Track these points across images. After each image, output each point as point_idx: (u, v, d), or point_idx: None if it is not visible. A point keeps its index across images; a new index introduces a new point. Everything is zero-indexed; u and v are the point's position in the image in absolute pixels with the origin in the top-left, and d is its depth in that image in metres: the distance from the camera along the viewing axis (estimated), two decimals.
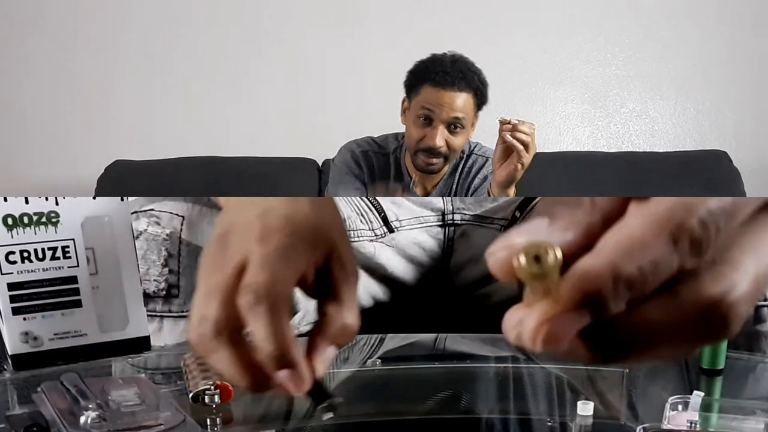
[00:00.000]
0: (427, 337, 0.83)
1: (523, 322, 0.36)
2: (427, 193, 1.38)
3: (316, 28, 2.21)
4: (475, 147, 1.41)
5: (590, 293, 0.34)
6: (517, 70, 2.23)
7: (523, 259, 0.35)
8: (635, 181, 1.97)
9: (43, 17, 2.21)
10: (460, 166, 1.39)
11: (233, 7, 2.22)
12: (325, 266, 0.55)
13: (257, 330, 0.49)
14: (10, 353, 0.66)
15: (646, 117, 2.24)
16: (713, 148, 2.10)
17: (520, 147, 1.17)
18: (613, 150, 2.19)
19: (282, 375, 0.49)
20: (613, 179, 1.98)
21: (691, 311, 0.35)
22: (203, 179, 1.99)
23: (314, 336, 0.53)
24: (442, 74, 1.28)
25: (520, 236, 0.37)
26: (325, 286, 0.55)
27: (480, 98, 1.31)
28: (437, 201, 1.00)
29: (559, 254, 0.35)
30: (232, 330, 0.50)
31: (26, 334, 0.65)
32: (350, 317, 0.54)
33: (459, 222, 0.98)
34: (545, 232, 0.38)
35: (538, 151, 2.13)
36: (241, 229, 0.55)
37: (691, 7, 2.22)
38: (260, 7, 2.22)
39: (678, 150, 2.16)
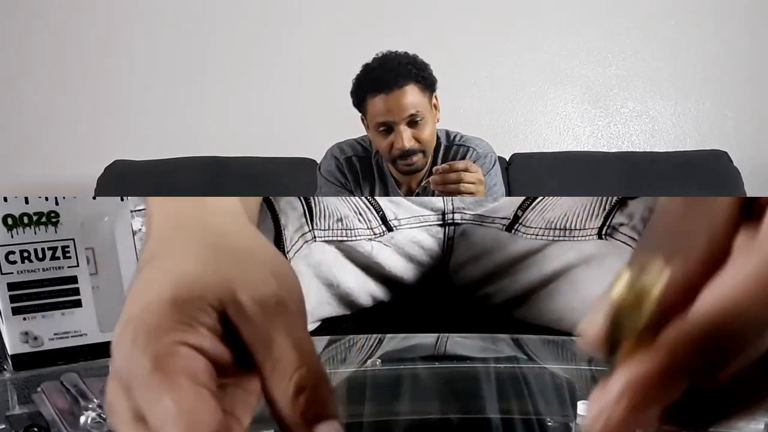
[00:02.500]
0: (427, 337, 0.83)
1: (607, 404, 0.29)
2: (412, 192, 1.37)
3: (316, 28, 2.21)
4: (455, 137, 1.39)
5: (690, 359, 0.28)
6: (517, 70, 2.23)
7: (626, 275, 0.29)
8: (635, 181, 1.97)
9: (43, 17, 2.21)
10: (440, 159, 1.37)
11: (234, 6, 2.22)
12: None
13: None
14: (9, 353, 0.66)
15: (646, 117, 2.24)
16: (713, 148, 2.11)
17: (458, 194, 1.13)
18: (613, 150, 2.19)
19: None
20: (613, 179, 1.98)
21: None
22: (203, 179, 1.99)
23: None
24: (376, 81, 1.26)
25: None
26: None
27: (425, 82, 1.28)
28: (437, 200, 1.00)
29: (665, 274, 0.29)
30: None
31: (26, 334, 0.65)
32: None
33: (459, 221, 0.98)
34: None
35: (538, 150, 2.17)
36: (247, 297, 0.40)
37: (691, 7, 2.23)
38: (261, 7, 2.22)
39: (678, 150, 2.16)
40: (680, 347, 0.28)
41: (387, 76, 1.25)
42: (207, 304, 0.40)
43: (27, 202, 0.65)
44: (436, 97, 1.32)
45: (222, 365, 0.40)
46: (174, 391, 0.37)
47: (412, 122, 1.26)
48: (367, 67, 1.30)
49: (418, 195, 1.36)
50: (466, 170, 1.14)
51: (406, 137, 1.26)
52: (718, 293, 0.29)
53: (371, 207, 0.97)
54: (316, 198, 0.94)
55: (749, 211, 0.33)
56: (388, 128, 1.27)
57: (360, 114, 1.34)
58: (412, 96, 1.25)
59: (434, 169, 1.18)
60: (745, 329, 0.28)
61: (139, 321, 0.40)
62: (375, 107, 1.26)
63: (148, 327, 0.39)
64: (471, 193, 1.15)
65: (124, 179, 2.01)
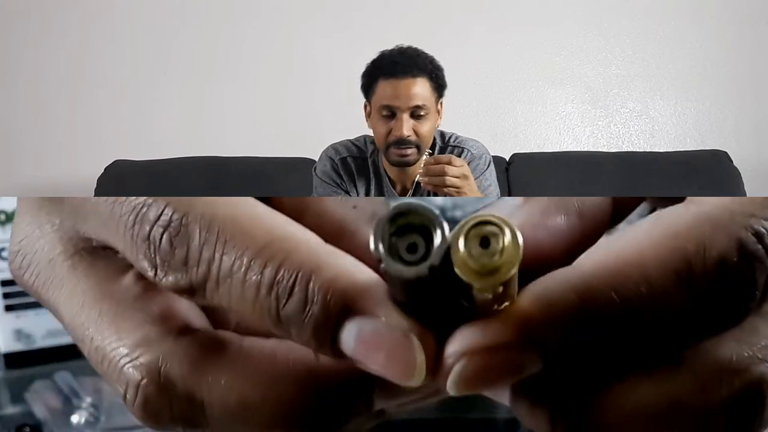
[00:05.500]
0: None
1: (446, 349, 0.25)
2: (406, 190, 1.37)
3: (316, 29, 2.21)
4: (450, 138, 1.40)
5: (551, 325, 0.23)
6: (517, 70, 2.23)
7: (461, 242, 0.24)
8: (635, 181, 1.97)
9: (42, 17, 2.21)
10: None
11: (234, 7, 2.21)
12: None
13: None
14: (2, 351, 0.65)
15: (646, 117, 2.24)
16: (713, 148, 2.10)
17: (444, 190, 1.15)
18: (613, 150, 2.18)
19: None
20: (613, 179, 1.97)
21: (702, 393, 0.23)
22: (203, 179, 1.99)
23: None
24: (393, 65, 1.27)
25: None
26: None
27: (437, 81, 1.30)
28: (436, 197, 1.00)
29: (520, 240, 0.23)
30: None
31: (19, 331, 0.65)
32: None
33: (460, 218, 0.98)
34: (514, 214, 0.28)
35: (538, 150, 2.16)
36: None
37: (691, 7, 2.22)
38: (262, 8, 2.21)
39: (678, 150, 2.15)
40: (540, 307, 0.24)
41: (404, 62, 1.27)
42: None
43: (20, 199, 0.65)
44: (441, 102, 1.34)
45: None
46: None
47: (416, 114, 1.27)
48: (384, 53, 1.32)
49: (414, 193, 1.36)
50: (449, 163, 1.15)
51: (406, 126, 1.26)
52: (604, 249, 0.24)
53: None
54: (314, 195, 0.93)
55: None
56: (392, 113, 1.27)
57: (364, 99, 1.35)
58: (422, 88, 1.27)
59: (424, 160, 1.20)
60: (631, 292, 0.23)
61: None
62: (384, 90, 1.27)
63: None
64: (456, 187, 1.15)
65: (124, 179, 2.01)
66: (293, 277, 0.25)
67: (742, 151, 2.13)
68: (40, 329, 0.66)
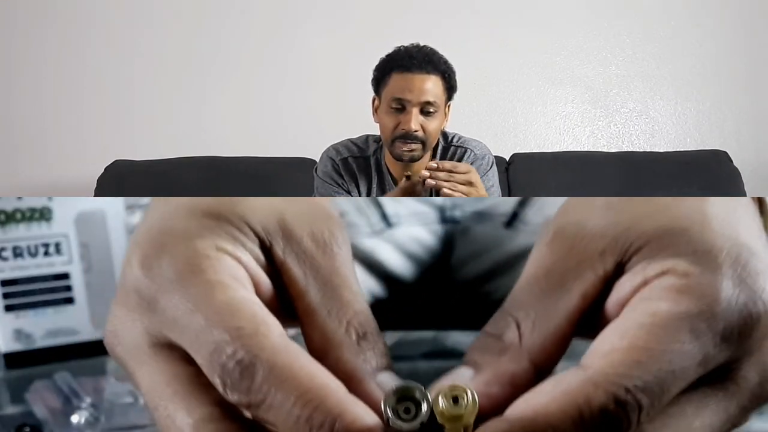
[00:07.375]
0: (426, 334, 0.82)
1: None
2: None
3: (316, 28, 2.21)
4: (452, 138, 1.41)
5: None
6: (517, 70, 2.23)
7: (441, 400, 0.39)
8: (635, 181, 1.97)
9: (43, 17, 2.21)
10: (438, 157, 1.38)
11: (234, 7, 2.21)
12: None
13: None
14: (2, 351, 0.65)
15: (646, 117, 2.24)
16: (713, 148, 2.10)
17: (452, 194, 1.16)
18: (613, 150, 2.18)
19: None
20: (613, 179, 1.97)
21: None
22: (203, 179, 1.99)
23: None
24: (409, 59, 1.28)
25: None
26: None
27: (449, 82, 1.31)
28: (437, 197, 0.99)
29: (476, 398, 0.39)
30: None
31: (19, 331, 0.65)
32: None
33: (459, 218, 0.97)
34: (469, 384, 0.40)
35: (538, 150, 2.16)
36: None
37: (690, 7, 2.22)
38: (262, 8, 2.21)
39: (678, 150, 2.15)
40: None
41: (420, 57, 1.28)
42: (247, 226, 0.41)
43: (20, 199, 0.64)
44: (449, 105, 1.34)
45: (262, 299, 0.41)
46: (221, 288, 0.38)
47: (425, 110, 1.28)
48: (401, 47, 1.32)
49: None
50: (451, 170, 1.17)
51: (414, 120, 1.27)
52: (522, 407, 0.37)
53: (371, 203, 0.96)
54: (315, 195, 0.93)
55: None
56: (401, 107, 1.28)
57: (374, 93, 1.35)
58: (434, 86, 1.28)
59: (428, 164, 1.20)
60: None
61: (160, 228, 0.40)
62: (396, 83, 1.28)
63: (173, 231, 0.40)
64: (463, 194, 1.16)
65: (124, 179, 2.01)
66: (325, 417, 0.38)
67: (742, 151, 2.13)
68: (40, 329, 0.65)
